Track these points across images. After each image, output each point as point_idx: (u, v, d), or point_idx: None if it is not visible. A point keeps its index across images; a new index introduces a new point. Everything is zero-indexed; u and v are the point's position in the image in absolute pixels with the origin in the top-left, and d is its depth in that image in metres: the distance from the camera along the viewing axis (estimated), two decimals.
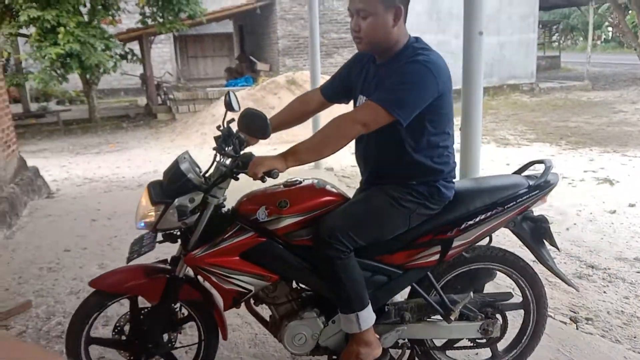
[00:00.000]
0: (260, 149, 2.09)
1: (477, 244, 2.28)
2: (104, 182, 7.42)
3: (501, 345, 2.47)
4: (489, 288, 2.51)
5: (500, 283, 2.98)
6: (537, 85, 16.47)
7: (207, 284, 2.20)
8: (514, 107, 13.31)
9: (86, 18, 11.94)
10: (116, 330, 2.28)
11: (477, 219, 2.16)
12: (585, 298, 3.45)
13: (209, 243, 2.10)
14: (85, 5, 12.03)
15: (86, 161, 9.26)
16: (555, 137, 9.29)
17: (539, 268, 2.40)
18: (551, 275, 2.55)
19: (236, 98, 2.18)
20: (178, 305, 2.32)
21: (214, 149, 2.09)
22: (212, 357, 2.37)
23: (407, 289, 2.34)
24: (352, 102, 2.28)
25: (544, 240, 2.33)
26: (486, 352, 2.50)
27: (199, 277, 2.21)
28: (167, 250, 2.34)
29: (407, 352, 2.37)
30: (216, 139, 2.09)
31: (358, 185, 2.37)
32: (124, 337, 2.27)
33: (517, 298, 2.46)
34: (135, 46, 14.65)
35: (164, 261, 2.29)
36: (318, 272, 2.11)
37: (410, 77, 1.92)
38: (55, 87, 13.48)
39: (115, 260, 3.90)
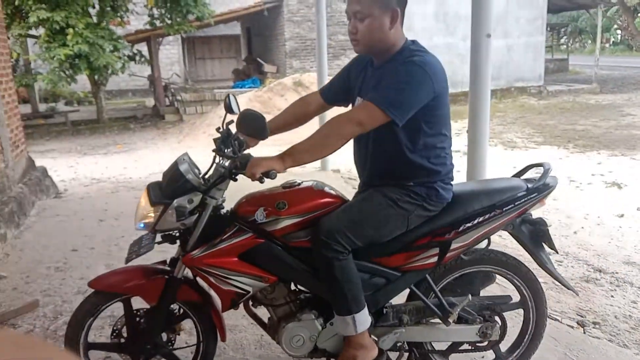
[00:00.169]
0: (261, 150, 2.10)
1: (475, 246, 2.28)
2: (112, 183, 7.45)
3: (504, 346, 2.46)
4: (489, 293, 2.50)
5: (498, 288, 2.96)
6: (544, 88, 16.40)
7: (205, 286, 2.21)
8: (521, 109, 13.26)
9: (95, 19, 12.02)
10: (114, 334, 2.28)
11: (475, 221, 2.17)
12: (593, 302, 3.43)
13: (208, 244, 2.11)
14: (94, 7, 12.11)
15: (94, 162, 9.30)
16: (563, 140, 9.24)
17: (542, 273, 2.39)
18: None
19: (236, 101, 2.19)
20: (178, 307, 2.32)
21: (213, 150, 2.11)
22: (210, 358, 2.37)
23: (406, 292, 2.34)
24: (351, 104, 2.29)
25: (543, 244, 2.33)
26: (490, 353, 2.49)
27: (198, 279, 2.22)
28: (170, 253, 2.35)
29: (406, 355, 2.37)
30: (215, 140, 2.11)
31: None
32: (122, 340, 2.28)
33: (516, 299, 2.45)
34: (143, 47, 14.73)
35: (163, 262, 2.30)
36: (316, 274, 2.11)
37: (406, 78, 1.93)
38: (63, 88, 13.56)
39: (122, 261, 3.90)
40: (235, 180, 2.06)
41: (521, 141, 9.37)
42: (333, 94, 2.34)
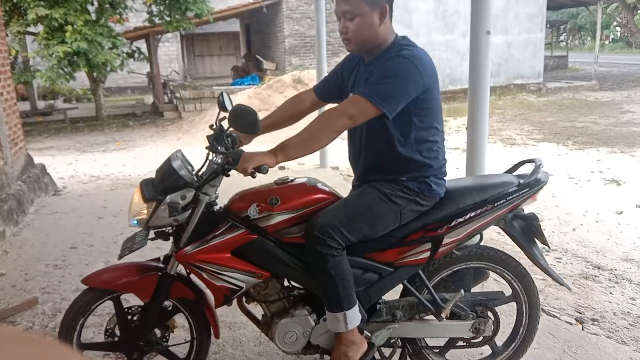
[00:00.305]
0: (256, 148, 2.10)
1: (467, 242, 2.30)
2: (110, 180, 7.45)
3: (500, 341, 2.48)
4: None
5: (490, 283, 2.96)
6: (544, 85, 16.40)
7: (199, 283, 2.22)
8: (520, 106, 13.26)
9: (94, 16, 11.99)
10: (108, 334, 2.29)
11: (467, 217, 2.18)
12: (591, 299, 3.44)
13: (201, 240, 2.11)
14: (92, 4, 12.08)
15: (92, 159, 9.30)
16: (562, 137, 9.25)
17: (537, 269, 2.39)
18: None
19: (229, 98, 2.20)
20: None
21: (206, 147, 2.11)
22: (204, 356, 2.38)
23: (400, 288, 2.35)
24: None
25: (535, 239, 2.34)
26: (487, 349, 2.50)
27: (192, 276, 2.23)
28: (166, 250, 2.35)
29: (399, 351, 2.38)
30: (209, 138, 2.11)
31: None
32: (116, 339, 2.28)
33: (508, 293, 2.46)
34: (142, 45, 14.71)
35: (157, 260, 2.31)
36: (309, 270, 2.12)
37: (395, 71, 1.95)
38: (62, 85, 13.58)
39: (122, 258, 3.91)
40: (228, 175, 2.06)
41: (520, 138, 9.37)
42: (327, 91, 2.35)
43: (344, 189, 2.35)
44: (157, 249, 2.61)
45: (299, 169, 7.30)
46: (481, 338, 2.38)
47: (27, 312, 3.28)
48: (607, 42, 40.27)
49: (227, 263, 2.10)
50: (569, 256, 4.16)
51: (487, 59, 3.35)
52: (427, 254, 2.19)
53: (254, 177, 1.97)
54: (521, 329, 2.45)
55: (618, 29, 39.35)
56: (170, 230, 2.17)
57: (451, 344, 2.45)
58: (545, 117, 11.50)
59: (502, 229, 2.33)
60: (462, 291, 2.29)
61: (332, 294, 2.06)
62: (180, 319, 2.38)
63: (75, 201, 5.95)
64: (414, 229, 2.16)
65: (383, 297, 2.32)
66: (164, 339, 2.34)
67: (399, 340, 2.34)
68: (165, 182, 2.07)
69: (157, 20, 13.44)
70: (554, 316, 3.14)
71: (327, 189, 2.23)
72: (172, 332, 2.38)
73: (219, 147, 2.07)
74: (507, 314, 2.75)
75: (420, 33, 14.73)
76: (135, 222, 2.11)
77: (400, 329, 2.27)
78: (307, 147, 2.00)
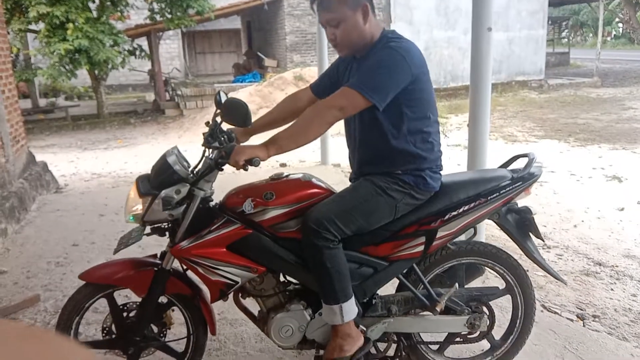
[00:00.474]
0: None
1: (461, 235, 2.31)
2: (112, 178, 7.46)
3: (498, 335, 2.49)
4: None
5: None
6: (545, 81, 16.36)
7: (195, 279, 2.23)
8: (522, 103, 13.24)
9: (95, 14, 11.98)
10: (105, 332, 2.30)
11: (461, 210, 2.20)
12: (593, 295, 3.44)
13: (196, 235, 2.13)
14: (94, 1, 12.07)
15: (94, 157, 9.31)
16: (564, 134, 9.23)
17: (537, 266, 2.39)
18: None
19: (226, 96, 2.21)
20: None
21: (202, 144, 2.13)
22: (201, 351, 2.39)
23: (396, 284, 2.37)
24: None
25: (530, 233, 2.35)
26: (486, 343, 2.51)
27: (188, 273, 2.24)
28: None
29: (394, 345, 2.39)
30: (204, 134, 2.13)
31: None
32: (113, 336, 2.30)
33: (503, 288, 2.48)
34: (143, 42, 14.71)
35: (154, 256, 2.32)
36: (305, 265, 2.14)
37: (383, 62, 1.98)
38: (63, 83, 13.58)
39: (123, 255, 3.92)
40: (221, 170, 2.08)
41: (522, 135, 9.36)
42: (323, 88, 2.36)
43: (345, 186, 2.36)
44: (160, 246, 2.61)
45: (301, 166, 7.30)
46: (477, 333, 2.39)
47: (29, 310, 3.29)
48: (609, 38, 40.15)
49: (223, 258, 2.11)
50: (570, 253, 4.16)
51: (488, 56, 3.34)
52: (421, 248, 2.20)
53: (246, 169, 1.99)
54: (518, 322, 2.46)
55: (620, 25, 39.25)
56: (166, 226, 2.19)
57: (449, 340, 2.46)
58: (547, 114, 11.49)
59: (496, 222, 2.35)
60: (457, 285, 2.31)
61: (328, 286, 2.07)
62: (177, 315, 2.39)
63: (77, 199, 5.96)
64: (408, 222, 2.18)
65: (378, 292, 2.33)
66: (161, 335, 2.35)
67: (394, 335, 2.35)
68: (160, 177, 2.09)
69: (158, 17, 13.44)
70: (555, 313, 3.15)
71: (322, 184, 2.25)
72: (169, 328, 2.39)
73: (214, 143, 2.09)
74: (506, 310, 2.76)
75: (421, 30, 14.72)
76: (131, 217, 2.13)
77: (395, 323, 2.28)
78: (299, 139, 2.02)
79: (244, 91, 11.72)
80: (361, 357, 2.21)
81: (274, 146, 1.99)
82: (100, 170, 7.98)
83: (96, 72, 12.71)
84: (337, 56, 2.32)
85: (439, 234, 2.20)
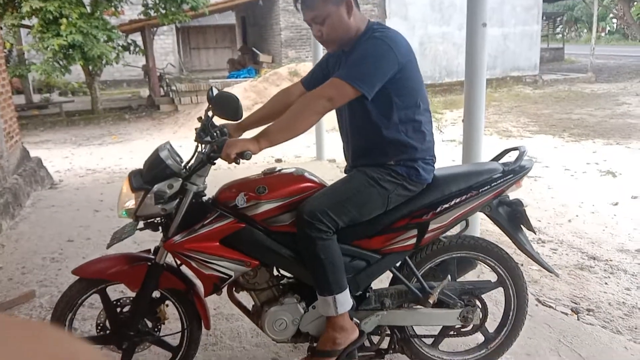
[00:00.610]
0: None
1: (453, 228, 2.33)
2: (107, 174, 7.44)
3: (492, 328, 2.52)
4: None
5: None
6: (540, 77, 16.40)
7: (189, 273, 2.23)
8: (516, 99, 13.26)
9: (89, 9, 11.89)
10: (99, 328, 2.31)
11: (453, 202, 2.21)
12: (587, 289, 3.46)
13: (189, 230, 2.13)
14: None
15: (89, 152, 9.27)
16: (558, 129, 9.26)
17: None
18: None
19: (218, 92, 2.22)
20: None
21: (194, 140, 2.14)
22: (195, 345, 2.40)
23: (389, 277, 2.39)
24: None
25: (521, 226, 2.37)
26: (480, 336, 2.53)
27: (182, 268, 2.25)
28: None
29: (387, 339, 2.40)
30: (197, 129, 2.14)
31: None
32: (108, 332, 2.30)
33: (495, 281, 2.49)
34: (137, 37, 14.63)
35: (148, 251, 2.33)
36: (298, 258, 2.15)
37: (369, 52, 2.00)
38: (57, 79, 13.48)
39: (118, 251, 3.92)
40: (214, 164, 2.09)
41: (516, 130, 9.38)
42: (314, 82, 2.37)
43: None
44: (155, 242, 2.61)
45: (296, 161, 7.30)
46: (471, 326, 2.41)
47: (24, 305, 3.28)
48: (603, 34, 40.27)
49: (216, 252, 2.12)
50: (565, 247, 4.19)
51: (483, 51, 3.35)
52: (414, 241, 2.22)
53: (238, 163, 2.00)
54: (511, 314, 2.48)
55: (614, 21, 39.33)
56: (159, 221, 2.19)
57: (443, 333, 2.48)
58: (541, 109, 11.52)
59: (487, 215, 2.36)
60: (449, 278, 2.32)
61: (322, 277, 2.08)
62: (171, 310, 2.40)
63: (72, 194, 5.94)
64: (400, 215, 2.19)
65: (372, 286, 2.34)
66: (156, 329, 2.36)
67: (388, 328, 2.36)
68: (153, 171, 2.10)
69: (152, 12, 13.34)
70: (550, 307, 3.17)
71: (314, 178, 2.26)
72: (164, 323, 2.40)
73: (206, 138, 2.10)
74: (499, 303, 2.77)
75: (416, 25, 14.71)
76: (124, 212, 2.14)
77: (388, 316, 2.30)
78: (289, 131, 2.02)
79: (238, 87, 11.69)
80: (354, 350, 2.22)
81: (265, 139, 1.99)
82: (95, 166, 7.96)
83: (90, 67, 12.65)
84: None
85: (431, 226, 2.21)
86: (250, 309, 2.39)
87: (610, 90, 14.05)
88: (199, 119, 2.17)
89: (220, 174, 4.50)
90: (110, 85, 20.24)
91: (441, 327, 2.47)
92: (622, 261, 3.89)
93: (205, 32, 24.32)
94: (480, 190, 2.23)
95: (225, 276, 2.15)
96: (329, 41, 2.13)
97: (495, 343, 2.49)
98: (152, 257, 2.24)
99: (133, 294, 2.29)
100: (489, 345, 2.49)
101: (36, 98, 16.04)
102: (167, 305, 2.38)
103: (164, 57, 20.43)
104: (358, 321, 2.25)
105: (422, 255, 2.34)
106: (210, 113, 2.09)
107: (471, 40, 3.33)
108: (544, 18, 23.59)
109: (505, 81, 15.75)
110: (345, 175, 2.33)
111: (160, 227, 2.21)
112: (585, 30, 39.25)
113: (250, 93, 10.99)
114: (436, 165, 2.28)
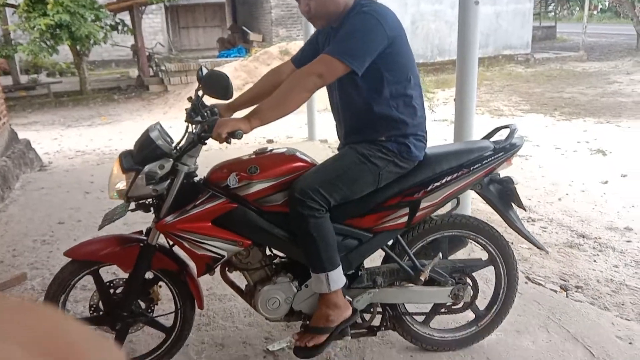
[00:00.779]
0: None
1: (444, 206, 2.34)
2: (97, 155, 7.38)
3: (482, 305, 2.55)
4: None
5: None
6: (532, 55, 16.36)
7: (182, 254, 2.23)
8: (508, 77, 13.25)
9: None
10: (92, 309, 2.31)
11: (444, 181, 2.22)
12: (576, 267, 3.50)
13: (181, 210, 2.13)
14: None
15: (78, 134, 9.18)
16: (549, 108, 9.28)
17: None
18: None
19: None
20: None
21: (185, 120, 2.13)
22: (189, 325, 2.41)
23: (382, 256, 2.41)
24: None
25: (512, 203, 2.39)
26: (471, 313, 2.57)
27: (175, 248, 2.25)
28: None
29: (379, 316, 2.43)
30: (187, 110, 2.13)
31: None
32: (101, 313, 2.30)
33: (485, 258, 2.52)
34: (125, 17, 14.39)
35: (140, 232, 2.32)
36: (290, 237, 2.16)
37: (357, 26, 1.99)
38: (45, 59, 13.31)
39: (110, 233, 3.91)
40: (204, 144, 2.08)
41: (508, 109, 9.39)
42: (304, 60, 2.34)
43: None
44: (147, 224, 2.61)
45: (288, 142, 7.27)
46: (462, 304, 2.44)
47: (16, 288, 3.28)
48: (595, 12, 40.10)
49: (208, 232, 2.11)
50: (555, 225, 4.22)
51: (475, 30, 3.33)
52: (405, 219, 2.23)
53: (229, 143, 1.99)
54: (501, 292, 2.51)
55: None
56: (151, 202, 2.18)
57: (434, 311, 2.50)
58: (533, 88, 11.52)
59: (478, 193, 2.38)
60: (440, 256, 2.34)
61: (315, 255, 2.09)
62: (165, 291, 2.40)
63: (62, 176, 5.90)
64: (392, 194, 2.20)
65: (364, 264, 2.36)
66: (149, 310, 2.36)
67: (380, 305, 2.39)
68: (144, 152, 2.08)
69: None
70: (539, 284, 3.20)
71: (306, 157, 2.26)
72: (157, 303, 2.40)
73: (196, 118, 2.09)
74: (490, 281, 2.80)
75: (408, 3, 14.58)
76: (115, 194, 2.12)
77: (380, 294, 2.32)
78: (280, 109, 2.01)
79: (229, 66, 11.57)
80: (347, 327, 2.24)
81: (257, 118, 1.98)
82: (85, 148, 7.89)
83: (78, 47, 12.45)
84: None
85: (423, 204, 2.22)
86: (243, 289, 2.40)
87: (602, 69, 14.06)
88: (189, 99, 2.15)
89: (212, 155, 4.48)
90: (99, 65, 19.96)
91: (432, 304, 2.50)
92: (610, 239, 3.94)
93: (194, 10, 23.97)
94: (471, 168, 2.24)
95: (218, 256, 2.15)
96: (317, 17, 2.11)
97: (485, 320, 2.53)
98: (144, 238, 2.24)
99: (126, 275, 2.28)
100: (479, 322, 2.53)
101: (23, 79, 15.79)
102: (160, 286, 2.38)
103: (153, 36, 20.14)
104: (350, 299, 2.27)
105: (413, 233, 2.35)
106: (200, 93, 2.08)
107: (463, 18, 3.31)
108: None
109: (497, 60, 15.71)
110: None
111: (151, 208, 2.21)
112: (578, 9, 39.06)
113: (241, 72, 10.89)
114: (428, 144, 2.27)
